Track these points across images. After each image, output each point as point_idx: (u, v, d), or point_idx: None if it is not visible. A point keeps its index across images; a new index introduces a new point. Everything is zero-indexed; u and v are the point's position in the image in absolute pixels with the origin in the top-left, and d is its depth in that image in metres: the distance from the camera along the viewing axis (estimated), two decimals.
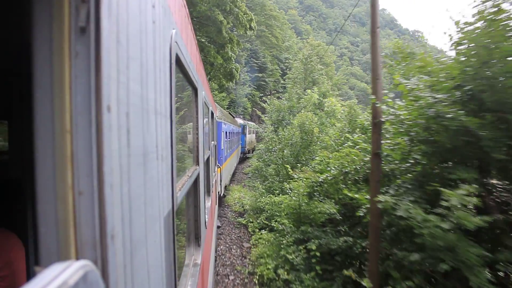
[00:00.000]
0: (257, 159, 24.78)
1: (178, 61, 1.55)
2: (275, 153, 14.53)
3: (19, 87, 2.75)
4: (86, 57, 0.59)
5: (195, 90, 2.50)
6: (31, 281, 0.41)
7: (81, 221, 0.57)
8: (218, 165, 9.55)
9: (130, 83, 0.79)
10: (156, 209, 1.05)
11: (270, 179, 14.48)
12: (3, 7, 1.97)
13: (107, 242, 0.61)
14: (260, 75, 56.23)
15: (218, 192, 10.25)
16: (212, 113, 5.86)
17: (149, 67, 0.98)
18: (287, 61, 61.91)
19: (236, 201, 15.25)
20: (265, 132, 20.08)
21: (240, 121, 26.68)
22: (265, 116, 21.53)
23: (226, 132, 14.37)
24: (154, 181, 1.02)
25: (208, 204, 4.18)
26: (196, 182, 2.51)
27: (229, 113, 22.88)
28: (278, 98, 21.96)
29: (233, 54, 22.07)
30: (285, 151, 13.79)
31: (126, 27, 0.77)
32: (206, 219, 3.36)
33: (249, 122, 35.35)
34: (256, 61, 56.46)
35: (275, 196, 11.30)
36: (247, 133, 30.81)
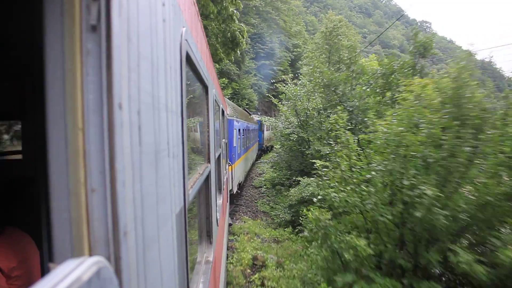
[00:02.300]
0: (271, 166, 19.11)
1: (189, 59, 1.55)
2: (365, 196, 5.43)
3: (31, 87, 2.81)
4: (97, 55, 0.59)
5: (205, 88, 2.50)
6: (46, 277, 0.41)
7: (94, 218, 0.57)
8: (229, 163, 9.58)
9: (141, 81, 0.79)
10: (168, 206, 1.06)
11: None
12: (15, 6, 2.01)
13: (120, 239, 0.61)
14: (267, 62, 48.20)
15: (230, 190, 10.28)
16: (223, 111, 5.87)
17: (160, 65, 0.98)
18: (295, 49, 55.17)
19: (249, 264, 7.82)
20: (289, 128, 14.85)
21: (257, 118, 25.94)
22: (282, 105, 16.00)
23: (239, 130, 13.30)
24: (165, 178, 1.02)
25: (219, 202, 4.19)
26: (207, 180, 2.52)
27: (245, 109, 21.79)
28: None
29: (236, 12, 14.07)
30: (426, 190, 4.40)
31: (137, 25, 0.77)
32: (218, 217, 3.38)
33: (268, 118, 34.38)
34: (262, 47, 48.92)
35: None
36: (264, 130, 30.27)
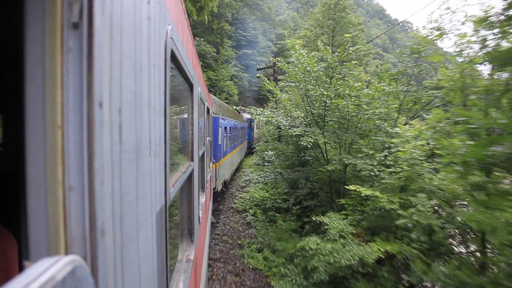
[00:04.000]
0: (259, 178, 13.61)
1: (174, 57, 1.54)
2: None
3: (13, 81, 2.74)
4: (79, 53, 0.59)
5: (190, 86, 2.49)
6: (19, 275, 0.42)
7: (71, 217, 0.57)
8: (213, 161, 9.53)
9: (123, 79, 0.79)
10: (148, 205, 1.05)
11: None
12: None
13: (97, 238, 0.61)
14: (249, 51, 42.17)
15: (214, 188, 10.24)
16: (208, 109, 5.85)
17: (143, 63, 0.98)
18: (279, 41, 48.80)
19: None
20: (296, 126, 9.10)
21: (248, 116, 24.81)
22: (281, 91, 11.24)
23: (225, 128, 12.49)
24: (146, 177, 1.02)
25: (202, 200, 4.18)
26: (190, 178, 2.51)
27: (235, 108, 21.07)
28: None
29: None
30: None
31: (120, 23, 0.76)
32: (200, 215, 3.37)
33: (262, 110, 32.54)
34: (244, 34, 43.40)
35: None
36: (254, 128, 29.48)
